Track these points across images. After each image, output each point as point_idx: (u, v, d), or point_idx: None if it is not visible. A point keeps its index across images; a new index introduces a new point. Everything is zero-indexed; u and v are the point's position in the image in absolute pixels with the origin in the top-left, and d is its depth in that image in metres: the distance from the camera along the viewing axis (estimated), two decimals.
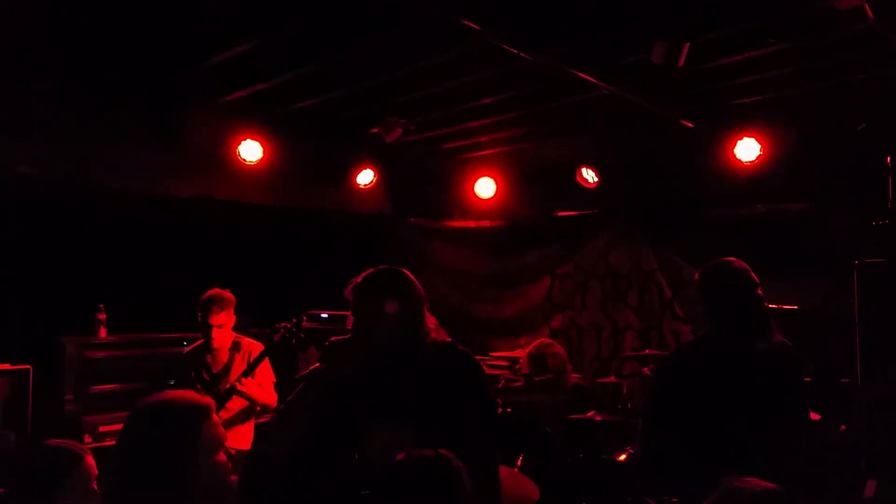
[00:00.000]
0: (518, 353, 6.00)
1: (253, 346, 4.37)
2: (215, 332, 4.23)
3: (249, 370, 4.07)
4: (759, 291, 2.76)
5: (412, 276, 2.55)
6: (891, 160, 3.39)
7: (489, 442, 2.43)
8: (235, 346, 4.32)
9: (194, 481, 1.89)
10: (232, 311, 4.30)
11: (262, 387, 4.29)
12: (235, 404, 4.22)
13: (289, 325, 4.08)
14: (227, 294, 4.29)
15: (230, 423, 4.14)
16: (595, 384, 6.10)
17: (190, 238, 5.78)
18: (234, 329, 4.39)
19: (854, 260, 3.38)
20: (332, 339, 2.54)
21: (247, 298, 4.68)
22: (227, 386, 4.13)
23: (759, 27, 3.83)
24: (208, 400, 2.03)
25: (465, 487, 1.94)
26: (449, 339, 2.57)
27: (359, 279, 2.53)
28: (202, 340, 4.35)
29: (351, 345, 2.49)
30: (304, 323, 4.01)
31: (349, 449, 2.49)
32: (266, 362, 4.28)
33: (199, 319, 4.24)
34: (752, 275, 2.78)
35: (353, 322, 2.52)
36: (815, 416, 3.59)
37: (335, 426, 2.51)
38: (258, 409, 4.37)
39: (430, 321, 2.52)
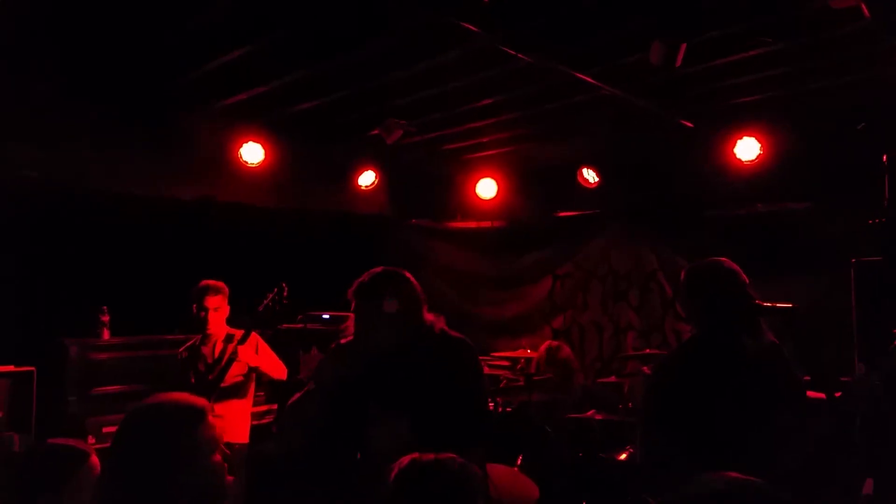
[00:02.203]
0: (520, 353, 6.01)
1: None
2: (212, 316, 4.27)
3: (242, 339, 4.13)
4: (749, 291, 2.75)
5: (411, 277, 2.57)
6: (887, 159, 3.39)
7: (482, 430, 2.45)
8: (229, 339, 4.33)
9: (189, 484, 1.90)
10: (226, 301, 4.35)
11: (271, 361, 4.35)
12: (226, 380, 4.24)
13: (271, 296, 4.14)
14: (221, 284, 4.35)
15: (223, 396, 4.19)
16: (597, 384, 6.12)
17: (192, 240, 5.81)
18: (234, 325, 4.41)
19: (851, 258, 3.39)
20: (338, 342, 2.58)
21: (249, 299, 4.69)
22: (222, 365, 4.15)
23: (756, 27, 3.84)
24: (203, 402, 2.04)
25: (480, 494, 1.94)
26: (445, 328, 2.60)
27: (359, 282, 2.55)
28: (197, 337, 4.40)
29: (354, 348, 2.53)
30: (285, 292, 4.11)
31: (354, 448, 2.51)
32: (263, 342, 4.34)
33: (195, 309, 4.28)
34: (742, 275, 2.78)
35: (354, 325, 2.55)
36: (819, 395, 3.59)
37: (339, 426, 2.53)
38: (252, 385, 4.41)
39: (429, 317, 2.55)
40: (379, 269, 2.58)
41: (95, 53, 4.30)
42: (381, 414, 2.42)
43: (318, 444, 2.51)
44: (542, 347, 5.90)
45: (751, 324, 2.75)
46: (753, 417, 2.64)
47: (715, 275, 2.80)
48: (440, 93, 4.98)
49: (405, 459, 1.95)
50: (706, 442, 2.57)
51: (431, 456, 1.94)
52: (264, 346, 4.41)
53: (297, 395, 2.65)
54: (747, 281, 2.77)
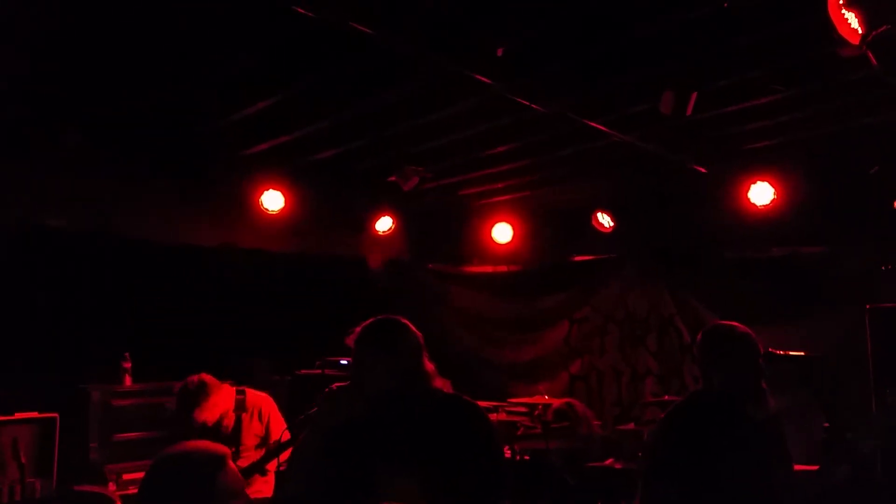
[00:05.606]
0: (537, 399, 5.98)
1: (260, 402, 4.24)
2: (213, 423, 3.98)
3: (270, 456, 3.47)
4: (761, 359, 2.83)
5: (410, 325, 2.60)
6: None
7: (496, 494, 2.43)
8: (240, 406, 4.15)
9: None
10: (218, 391, 4.05)
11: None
12: (244, 462, 3.98)
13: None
14: (207, 378, 4.02)
15: (245, 476, 4.05)
16: (616, 431, 6.05)
17: (214, 286, 5.88)
18: (244, 382, 4.28)
19: (866, 303, 3.39)
20: (333, 385, 2.61)
21: (268, 344, 4.73)
22: (246, 462, 3.78)
23: (765, 74, 3.90)
24: (224, 449, 2.09)
25: None
26: (452, 391, 2.61)
27: (357, 329, 2.59)
28: None
29: (349, 392, 2.56)
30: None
31: (360, 493, 2.51)
32: (278, 413, 4.20)
33: (182, 413, 3.93)
34: (755, 339, 2.85)
35: (351, 370, 2.59)
36: (812, 468, 3.60)
37: (344, 471, 2.54)
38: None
39: (429, 367, 2.56)
40: (381, 316, 2.62)
41: (122, 103, 4.44)
42: (390, 472, 2.40)
43: (324, 487, 2.51)
44: (551, 409, 5.77)
45: (756, 392, 2.81)
46: (747, 482, 2.68)
47: (728, 341, 2.88)
48: (455, 140, 5.08)
49: None
50: (701, 501, 2.58)
51: None
52: (278, 420, 4.18)
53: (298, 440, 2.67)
54: (761, 349, 2.85)
